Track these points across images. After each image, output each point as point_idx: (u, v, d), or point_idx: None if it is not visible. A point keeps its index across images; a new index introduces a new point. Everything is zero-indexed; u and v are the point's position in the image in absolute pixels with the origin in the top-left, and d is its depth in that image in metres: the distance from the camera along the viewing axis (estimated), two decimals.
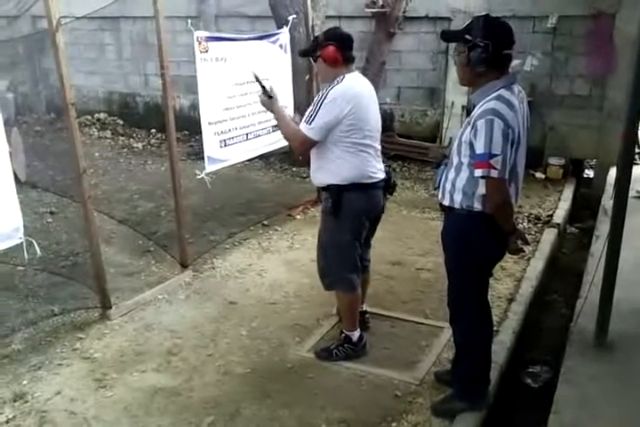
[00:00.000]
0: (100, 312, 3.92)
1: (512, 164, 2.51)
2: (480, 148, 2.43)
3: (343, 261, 3.29)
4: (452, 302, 2.90)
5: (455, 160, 2.63)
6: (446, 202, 2.70)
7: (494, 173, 2.42)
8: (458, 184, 2.62)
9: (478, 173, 2.46)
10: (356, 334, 3.44)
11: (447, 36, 2.72)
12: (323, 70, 3.26)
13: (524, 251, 2.77)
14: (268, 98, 3.33)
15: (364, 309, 3.72)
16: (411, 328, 3.79)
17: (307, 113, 3.11)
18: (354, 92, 3.10)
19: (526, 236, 2.80)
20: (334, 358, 3.41)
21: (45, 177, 6.62)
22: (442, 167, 2.76)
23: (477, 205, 2.59)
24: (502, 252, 2.73)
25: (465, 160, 2.57)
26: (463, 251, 2.70)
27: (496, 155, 2.41)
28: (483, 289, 2.83)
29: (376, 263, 4.67)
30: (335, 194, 3.17)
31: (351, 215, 3.19)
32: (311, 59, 3.40)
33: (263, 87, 3.35)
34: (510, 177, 2.54)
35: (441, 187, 2.73)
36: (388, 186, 3.36)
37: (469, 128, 2.52)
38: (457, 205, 2.64)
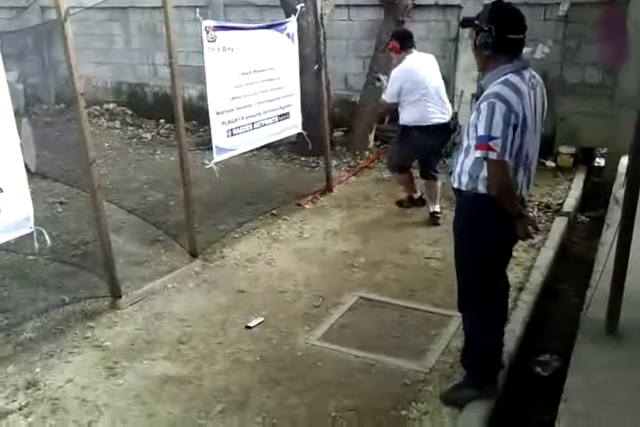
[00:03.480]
0: (111, 301, 3.95)
1: (517, 148, 2.53)
2: (481, 130, 2.49)
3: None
4: (460, 285, 2.92)
5: (465, 143, 2.68)
6: (455, 184, 2.75)
7: (493, 155, 2.47)
8: (465, 166, 2.67)
9: (478, 153, 2.52)
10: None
11: (463, 21, 2.75)
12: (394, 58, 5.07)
13: (532, 237, 2.79)
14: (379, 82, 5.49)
15: (421, 195, 5.55)
16: (420, 317, 3.79)
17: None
18: (408, 67, 4.92)
19: (536, 222, 2.78)
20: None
21: (55, 167, 6.64)
22: (455, 154, 2.78)
23: (481, 188, 2.62)
24: (510, 237, 2.72)
25: (472, 143, 2.61)
26: (468, 232, 2.75)
27: (495, 137, 2.45)
28: (491, 274, 2.80)
29: (384, 252, 4.71)
30: (401, 130, 5.10)
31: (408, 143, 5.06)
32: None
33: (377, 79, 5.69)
34: (517, 161, 2.58)
35: (453, 170, 2.78)
36: (449, 128, 5.01)
37: (475, 111, 2.57)
38: (464, 187, 2.69)
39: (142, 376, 3.23)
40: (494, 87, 2.51)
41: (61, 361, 3.36)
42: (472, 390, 2.95)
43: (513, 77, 2.52)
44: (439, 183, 5.28)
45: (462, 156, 2.70)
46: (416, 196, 5.56)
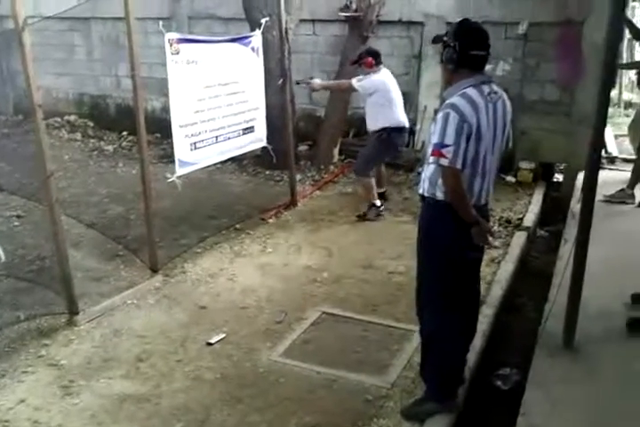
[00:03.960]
0: (67, 318, 3.84)
1: (472, 157, 2.65)
2: (435, 138, 2.62)
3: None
4: (418, 291, 2.97)
5: (429, 151, 2.77)
6: (420, 190, 2.87)
7: (444, 162, 2.59)
8: (427, 173, 2.79)
9: (432, 159, 2.64)
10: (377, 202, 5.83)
11: (435, 38, 2.86)
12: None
13: (489, 244, 2.92)
14: (308, 84, 6.02)
15: (383, 190, 6.25)
16: (382, 332, 3.79)
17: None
18: (383, 79, 5.72)
19: (491, 228, 2.87)
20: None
21: (12, 180, 6.49)
22: (421, 170, 2.88)
23: (439, 194, 2.73)
24: (467, 246, 2.76)
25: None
26: (427, 237, 2.86)
27: (448, 145, 2.57)
28: (449, 281, 2.82)
29: (348, 267, 4.71)
30: (379, 134, 5.76)
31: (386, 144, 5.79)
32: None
33: (301, 83, 6.20)
34: (474, 170, 2.69)
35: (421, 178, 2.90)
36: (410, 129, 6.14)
37: (433, 121, 2.71)
38: (426, 193, 2.81)
39: (99, 395, 3.15)
40: (452, 99, 2.65)
41: (14, 381, 3.24)
42: (433, 403, 2.95)
43: (471, 91, 2.65)
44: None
45: (426, 164, 2.81)
46: (379, 202, 5.96)
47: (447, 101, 2.65)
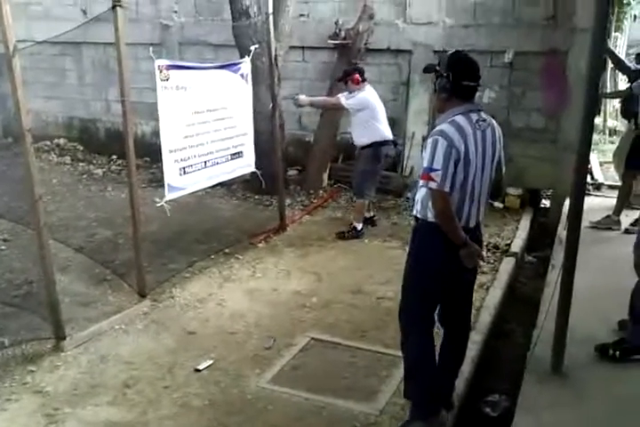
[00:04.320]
0: (54, 344, 3.80)
1: (461, 181, 2.75)
2: (425, 162, 2.74)
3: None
4: (401, 311, 3.04)
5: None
6: (413, 211, 2.97)
7: (433, 185, 2.71)
8: (418, 196, 2.89)
9: (422, 183, 2.78)
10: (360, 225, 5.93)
11: (426, 68, 2.98)
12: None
13: (478, 265, 3.04)
14: (296, 100, 6.03)
15: (372, 214, 6.39)
16: (371, 358, 3.78)
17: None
18: (369, 96, 5.91)
19: (480, 251, 2.92)
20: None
21: (0, 203, 6.45)
22: (410, 195, 3.00)
23: (430, 215, 2.82)
24: (455, 270, 2.84)
25: None
26: (417, 257, 2.93)
27: (436, 169, 2.69)
28: (432, 304, 2.95)
29: (337, 292, 4.71)
30: (370, 150, 5.95)
31: (378, 159, 5.99)
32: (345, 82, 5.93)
33: (287, 98, 6.52)
34: (462, 194, 2.79)
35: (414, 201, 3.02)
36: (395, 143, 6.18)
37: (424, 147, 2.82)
38: (418, 215, 2.90)
39: (85, 423, 3.10)
40: (441, 126, 2.77)
41: None
42: (419, 422, 2.94)
43: (459, 118, 2.77)
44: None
45: (418, 187, 2.91)
46: (361, 225, 6.04)
47: (436, 128, 2.77)
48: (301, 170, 7.93)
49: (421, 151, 2.86)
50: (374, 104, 5.91)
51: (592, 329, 3.62)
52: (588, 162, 3.21)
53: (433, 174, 2.68)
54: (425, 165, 2.73)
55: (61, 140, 9.79)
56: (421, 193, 2.86)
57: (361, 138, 5.96)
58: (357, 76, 5.82)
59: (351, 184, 6.69)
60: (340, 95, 6.02)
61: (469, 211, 2.85)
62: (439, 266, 2.84)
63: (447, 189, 2.70)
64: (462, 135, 2.72)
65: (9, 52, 3.37)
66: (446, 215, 2.74)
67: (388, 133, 6.01)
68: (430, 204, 2.78)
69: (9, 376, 3.49)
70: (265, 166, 5.91)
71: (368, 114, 5.83)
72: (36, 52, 8.71)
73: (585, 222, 4.01)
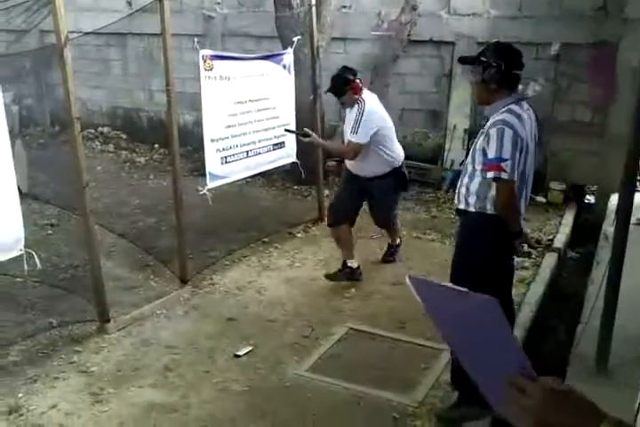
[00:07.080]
0: (98, 326, 3.90)
1: (521, 169, 2.77)
2: (492, 153, 2.72)
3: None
4: None
5: (469, 168, 2.89)
6: (461, 205, 2.94)
7: (504, 175, 2.70)
8: (472, 188, 2.86)
9: (490, 174, 2.72)
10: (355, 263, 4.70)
11: (464, 60, 3.01)
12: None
13: (531, 254, 3.01)
14: (305, 137, 4.61)
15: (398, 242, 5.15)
16: (410, 349, 3.77)
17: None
18: (377, 109, 4.49)
19: (532, 241, 2.96)
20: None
21: (47, 189, 6.62)
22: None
23: (489, 207, 2.82)
24: (508, 256, 2.92)
25: (478, 167, 2.83)
26: (470, 248, 2.94)
27: (506, 159, 2.69)
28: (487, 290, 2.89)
29: (376, 284, 4.70)
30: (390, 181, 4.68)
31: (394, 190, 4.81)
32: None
33: (298, 134, 4.95)
34: (520, 182, 2.80)
35: (456, 192, 2.99)
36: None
37: (482, 137, 2.79)
38: (471, 208, 2.88)
39: (128, 403, 3.18)
40: (501, 115, 2.76)
41: (46, 386, 3.30)
42: (467, 408, 2.94)
43: (515, 107, 2.79)
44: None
45: (467, 179, 2.90)
46: (356, 264, 4.74)
47: (497, 118, 2.76)
48: (340, 161, 7.92)
49: (468, 144, 2.86)
50: (384, 115, 4.52)
51: (637, 328, 3.54)
52: (638, 157, 3.13)
53: (503, 164, 2.68)
54: (492, 155, 2.70)
55: (105, 129, 9.97)
56: (475, 185, 2.84)
57: (378, 167, 4.52)
58: (358, 82, 4.42)
59: (376, 220, 5.05)
60: (347, 137, 4.46)
61: (525, 199, 2.91)
62: (491, 252, 2.86)
63: (516, 178, 2.73)
64: (522, 123, 2.75)
65: (60, 43, 3.44)
66: (515, 206, 2.78)
67: (401, 151, 4.66)
68: (490, 195, 2.78)
69: (57, 355, 3.60)
70: (304, 157, 5.93)
71: (380, 133, 4.43)
72: (82, 42, 8.87)
73: (632, 219, 3.91)
